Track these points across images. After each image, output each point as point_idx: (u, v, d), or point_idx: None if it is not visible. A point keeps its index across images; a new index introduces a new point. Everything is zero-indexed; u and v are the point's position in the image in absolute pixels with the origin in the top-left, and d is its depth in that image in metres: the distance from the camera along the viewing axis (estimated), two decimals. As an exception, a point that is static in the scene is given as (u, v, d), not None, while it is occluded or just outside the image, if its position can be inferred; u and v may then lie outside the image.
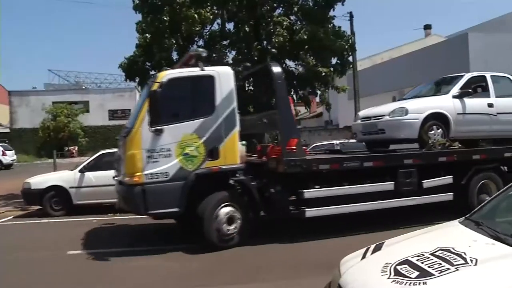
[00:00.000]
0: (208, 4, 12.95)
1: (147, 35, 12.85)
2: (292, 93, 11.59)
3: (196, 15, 12.20)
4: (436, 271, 2.12)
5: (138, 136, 5.52)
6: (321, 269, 3.59)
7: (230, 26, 14.13)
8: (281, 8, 13.78)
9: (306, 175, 5.85)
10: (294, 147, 5.67)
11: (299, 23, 13.29)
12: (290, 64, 13.30)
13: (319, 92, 13.15)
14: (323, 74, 11.41)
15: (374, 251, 2.63)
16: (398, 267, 2.25)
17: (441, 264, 2.18)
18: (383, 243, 2.73)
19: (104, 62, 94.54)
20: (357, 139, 7.73)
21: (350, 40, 12.16)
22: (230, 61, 13.64)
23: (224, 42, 14.25)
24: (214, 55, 13.16)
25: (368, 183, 6.08)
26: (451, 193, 6.62)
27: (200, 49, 6.00)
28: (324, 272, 3.09)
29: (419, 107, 6.66)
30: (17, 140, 30.66)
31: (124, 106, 32.01)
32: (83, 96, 34.80)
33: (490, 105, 7.24)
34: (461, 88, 7.06)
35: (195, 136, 5.63)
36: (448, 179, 6.62)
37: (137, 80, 13.89)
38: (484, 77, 7.58)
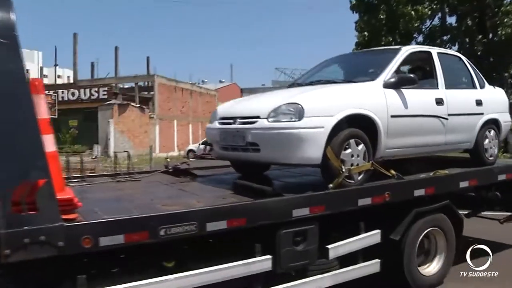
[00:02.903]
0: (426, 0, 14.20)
1: (365, 33, 14.90)
2: None
3: (413, 12, 13.79)
4: None
5: None
6: None
7: (451, 20, 15.77)
8: (512, -5, 14.49)
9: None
10: (32, 202, 2.60)
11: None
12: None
13: None
14: None
15: None
16: None
17: None
18: None
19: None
20: (214, 155, 4.87)
21: None
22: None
23: (445, 37, 15.56)
24: None
25: (219, 263, 3.27)
26: (378, 261, 4.13)
27: None
28: None
29: (326, 105, 3.95)
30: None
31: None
32: (305, 92, 41.61)
33: (439, 102, 4.87)
34: (397, 71, 4.54)
35: None
36: (373, 237, 4.08)
37: (356, 77, 15.92)
38: (428, 54, 5.19)
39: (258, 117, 4.00)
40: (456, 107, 5.02)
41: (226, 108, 4.74)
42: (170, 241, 3.11)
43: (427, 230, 4.50)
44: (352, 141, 3.98)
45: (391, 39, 14.06)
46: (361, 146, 4.06)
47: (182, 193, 4.25)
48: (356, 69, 5.25)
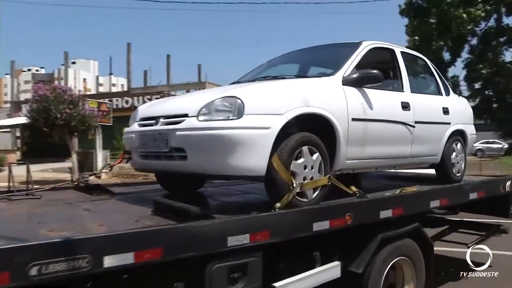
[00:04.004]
0: (479, 1, 14.30)
1: (416, 37, 15.17)
2: None
3: (464, 15, 14.16)
4: None
5: None
6: None
7: (509, 20, 16.23)
8: None
9: None
10: None
11: None
12: None
13: None
14: None
15: None
16: None
17: None
18: None
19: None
20: (133, 165, 4.01)
21: None
22: (508, 59, 15.08)
23: (501, 39, 15.60)
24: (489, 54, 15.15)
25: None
26: (337, 300, 3.40)
27: None
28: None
29: (273, 101, 3.22)
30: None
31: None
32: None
33: (405, 106, 4.32)
34: (357, 67, 3.93)
35: None
36: (331, 270, 3.36)
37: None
38: (392, 52, 4.66)
39: (186, 115, 3.22)
40: (423, 113, 4.51)
41: (148, 106, 3.94)
42: (56, 285, 2.24)
43: (394, 261, 3.83)
44: (305, 148, 3.27)
45: (442, 43, 14.45)
46: (316, 156, 3.36)
47: (85, 215, 3.35)
48: (310, 64, 4.63)
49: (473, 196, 4.75)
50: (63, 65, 41.15)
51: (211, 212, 2.93)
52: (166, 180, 4.24)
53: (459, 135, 5.24)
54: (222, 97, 3.12)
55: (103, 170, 4.40)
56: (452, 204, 4.74)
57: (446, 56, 16.24)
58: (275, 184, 3.13)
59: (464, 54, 16.61)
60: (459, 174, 5.19)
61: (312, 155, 3.32)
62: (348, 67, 3.81)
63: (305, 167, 3.27)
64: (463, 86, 17.39)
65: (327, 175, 3.41)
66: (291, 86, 3.51)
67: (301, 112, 3.22)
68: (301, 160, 3.24)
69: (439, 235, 5.68)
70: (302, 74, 4.34)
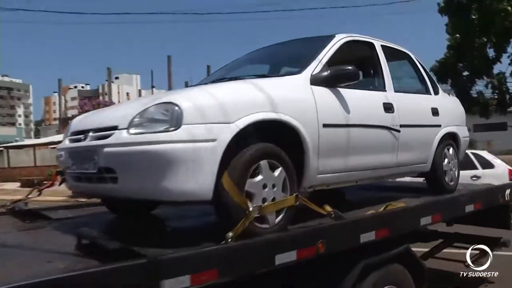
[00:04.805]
0: (526, -8, 14.03)
1: (457, 35, 14.96)
2: None
3: (509, 7, 13.50)
4: None
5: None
6: None
7: None
8: None
9: None
10: None
11: None
12: None
13: None
14: None
15: None
16: None
17: None
18: None
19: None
20: (69, 186, 3.39)
21: None
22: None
23: None
24: None
25: None
26: None
27: None
28: None
29: (219, 106, 2.62)
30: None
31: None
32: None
33: (388, 108, 3.78)
34: (329, 63, 3.38)
35: None
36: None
37: (449, 81, 15.92)
38: (371, 46, 4.12)
39: (115, 127, 2.64)
40: (409, 115, 3.99)
41: (81, 118, 3.35)
42: None
43: (380, 291, 3.26)
44: (263, 163, 2.70)
45: (485, 39, 14.04)
46: (278, 171, 2.79)
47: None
48: (274, 62, 4.08)
49: (469, 208, 4.24)
50: (107, 80, 41.78)
51: (137, 249, 2.33)
52: (111, 202, 3.66)
53: (451, 138, 4.75)
54: (157, 104, 2.54)
55: (29, 196, 3.78)
56: (446, 219, 4.21)
57: (491, 52, 15.75)
58: (226, 209, 2.56)
59: (510, 49, 16.20)
60: (452, 183, 4.68)
61: (273, 171, 2.76)
62: (318, 64, 3.26)
63: (264, 186, 2.70)
64: (510, 82, 16.94)
65: (294, 194, 2.84)
66: (244, 88, 2.93)
67: (256, 119, 2.65)
68: (259, 178, 2.67)
69: (433, 250, 5.18)
70: (270, 73, 3.81)
